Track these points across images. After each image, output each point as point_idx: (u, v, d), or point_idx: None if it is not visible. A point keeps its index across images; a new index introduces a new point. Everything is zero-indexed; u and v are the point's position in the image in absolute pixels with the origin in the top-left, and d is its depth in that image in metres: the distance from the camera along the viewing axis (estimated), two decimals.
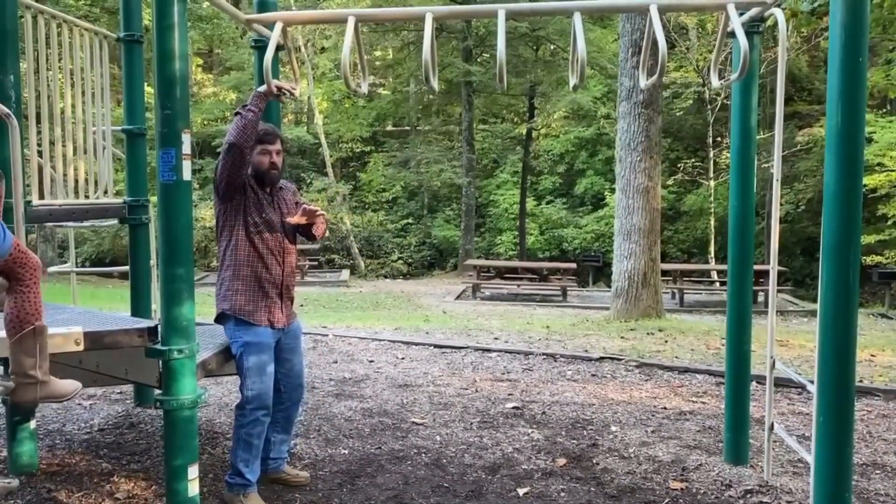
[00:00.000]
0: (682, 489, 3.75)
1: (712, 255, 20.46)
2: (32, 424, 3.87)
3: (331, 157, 24.85)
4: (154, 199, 3.55)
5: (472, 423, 4.86)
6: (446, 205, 26.54)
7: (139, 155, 4.81)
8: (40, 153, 3.90)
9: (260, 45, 4.10)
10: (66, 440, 4.40)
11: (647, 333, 8.95)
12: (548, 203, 25.36)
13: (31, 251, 2.72)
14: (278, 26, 3.51)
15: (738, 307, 4.08)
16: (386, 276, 22.68)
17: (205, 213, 22.17)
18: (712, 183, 21.00)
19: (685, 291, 15.32)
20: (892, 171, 14.56)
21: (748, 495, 3.66)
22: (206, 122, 26.73)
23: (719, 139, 20.98)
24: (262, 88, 3.41)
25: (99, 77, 4.40)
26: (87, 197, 4.31)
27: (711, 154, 21.15)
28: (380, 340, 7.89)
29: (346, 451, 4.29)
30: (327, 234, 3.74)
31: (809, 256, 19.82)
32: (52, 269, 6.41)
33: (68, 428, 4.64)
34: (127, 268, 4.99)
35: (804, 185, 20.13)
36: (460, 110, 24.48)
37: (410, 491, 3.72)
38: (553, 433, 4.66)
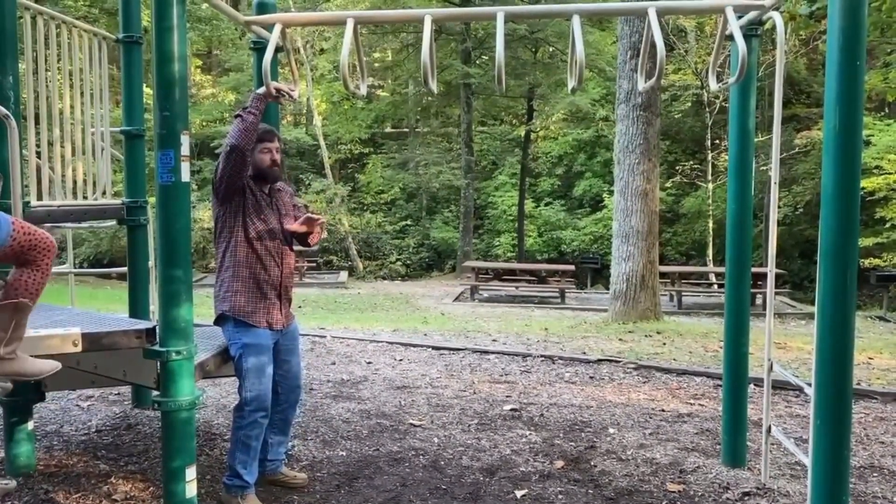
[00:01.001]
0: (679, 491, 3.75)
1: (710, 257, 20.47)
2: (30, 425, 3.87)
3: (329, 158, 24.85)
4: (153, 200, 3.56)
5: (469, 425, 4.86)
6: (445, 206, 26.54)
7: (138, 156, 4.82)
8: (39, 154, 3.90)
9: (259, 47, 4.11)
10: (63, 441, 4.39)
11: (646, 336, 8.95)
12: (546, 205, 25.37)
13: (40, 230, 2.63)
14: (277, 28, 3.52)
15: (735, 310, 4.08)
16: (384, 278, 22.67)
17: (203, 215, 22.15)
18: (710, 185, 21.02)
19: (683, 294, 15.32)
20: (891, 174, 14.58)
21: (746, 498, 3.67)
22: (204, 124, 26.70)
23: (717, 142, 21.00)
24: (262, 90, 3.42)
25: (98, 78, 4.40)
26: (85, 198, 4.31)
27: (710, 156, 21.16)
28: (378, 342, 7.89)
29: (344, 453, 4.29)
30: (326, 235, 3.76)
31: (808, 259, 19.83)
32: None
33: (66, 429, 4.63)
34: (125, 269, 4.99)
35: (802, 188, 20.15)
36: (459, 112, 24.48)
37: (408, 493, 3.72)
38: (551, 435, 4.66)
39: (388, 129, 29.62)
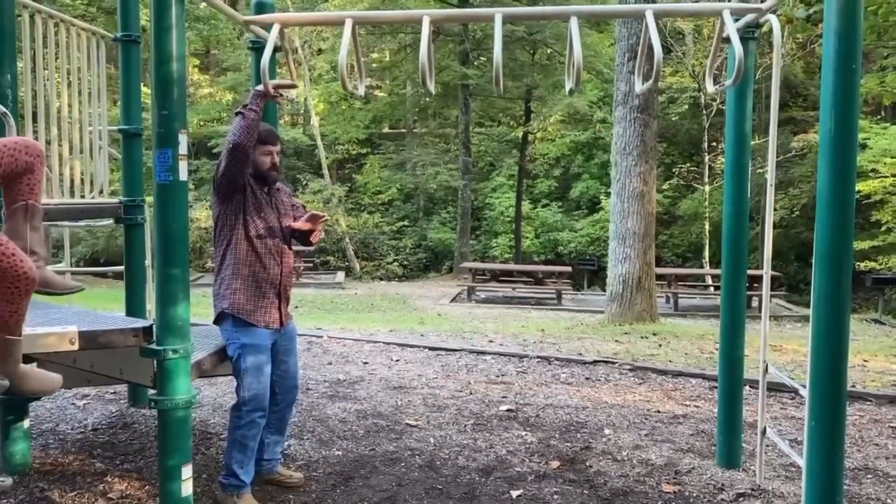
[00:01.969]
0: (674, 492, 3.76)
1: (707, 259, 20.51)
2: (26, 423, 3.87)
3: (327, 158, 24.83)
4: (150, 199, 3.56)
5: (465, 426, 4.87)
6: (442, 207, 26.55)
7: (135, 155, 4.82)
8: None
9: (257, 47, 4.12)
10: (59, 440, 4.39)
11: (642, 337, 8.97)
12: (543, 206, 25.39)
13: (23, 260, 2.43)
14: (276, 28, 3.52)
15: (731, 312, 4.10)
16: (381, 278, 22.67)
17: (200, 215, 22.13)
18: (707, 188, 21.07)
19: (680, 296, 15.35)
20: (886, 177, 14.61)
21: (740, 499, 3.68)
22: (202, 123, 26.66)
23: (714, 144, 21.06)
24: (261, 87, 3.42)
25: (96, 77, 4.40)
26: (82, 196, 4.32)
27: (707, 159, 21.22)
28: (374, 342, 7.89)
29: (340, 453, 4.29)
30: (324, 235, 3.76)
31: (804, 262, 19.86)
32: (46, 268, 6.39)
33: (62, 427, 4.63)
34: (121, 268, 4.99)
35: (799, 191, 20.20)
36: (457, 113, 24.49)
37: (404, 493, 3.72)
38: (546, 436, 4.67)
39: (386, 130, 29.61)
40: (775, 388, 5.58)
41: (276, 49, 3.68)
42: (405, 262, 23.88)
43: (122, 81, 4.74)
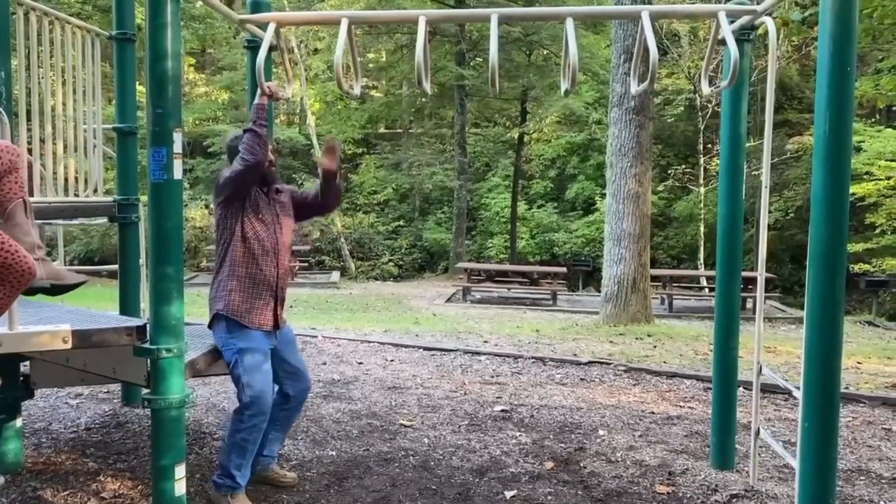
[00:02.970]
0: (668, 493, 3.76)
1: (702, 261, 20.55)
2: (18, 423, 3.85)
3: None
4: (145, 198, 3.55)
5: (460, 426, 4.86)
6: (438, 208, 26.53)
7: (130, 153, 4.81)
8: (30, 150, 3.88)
9: (253, 46, 4.11)
10: (52, 439, 4.38)
11: (636, 338, 8.98)
12: (539, 207, 25.40)
13: (22, 254, 2.44)
14: (271, 27, 3.52)
15: (725, 313, 4.10)
16: (376, 279, 22.65)
17: (195, 214, 22.10)
18: (702, 189, 21.10)
19: (674, 297, 15.38)
20: (881, 180, 14.66)
21: (734, 500, 3.69)
22: (197, 122, 26.63)
23: (710, 146, 21.08)
24: (259, 100, 3.41)
25: (90, 75, 4.39)
26: (76, 195, 4.30)
27: (702, 161, 21.25)
28: (369, 342, 7.89)
29: (334, 453, 4.29)
30: (340, 183, 3.69)
31: (798, 264, 19.92)
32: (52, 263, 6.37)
33: (54, 427, 4.61)
34: (115, 267, 4.97)
35: (794, 193, 20.25)
36: (453, 114, 24.49)
37: (398, 493, 3.72)
38: (541, 437, 4.67)
39: (382, 130, 29.59)
40: (769, 390, 5.60)
41: (271, 48, 3.67)
42: (400, 263, 23.86)
43: (116, 79, 4.73)
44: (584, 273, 20.75)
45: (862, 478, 4.04)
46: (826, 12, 2.71)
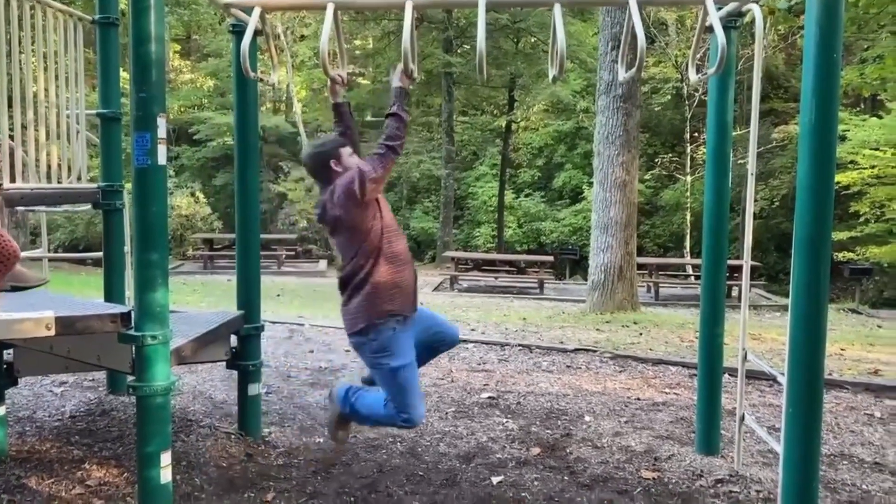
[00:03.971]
0: (654, 478, 3.79)
1: (688, 249, 20.67)
2: (2, 411, 3.83)
3: None
4: (129, 185, 3.51)
5: (447, 413, 4.88)
6: (425, 196, 26.52)
7: (114, 140, 4.76)
8: (12, 137, 3.83)
9: (238, 31, 4.06)
10: (36, 427, 4.35)
11: (623, 326, 9.03)
12: (526, 196, 25.44)
13: (6, 239, 2.50)
14: (256, 11, 3.49)
15: (711, 300, 4.13)
16: None
17: (181, 201, 21.94)
18: (689, 178, 21.20)
19: (660, 285, 15.47)
20: (865, 168, 14.77)
21: (719, 485, 3.72)
22: (182, 109, 26.42)
23: (696, 135, 21.17)
24: (398, 83, 3.31)
25: (73, 60, 4.33)
26: (60, 182, 4.26)
27: (689, 149, 21.34)
28: None
29: (322, 440, 4.29)
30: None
31: (783, 252, 20.07)
32: (23, 254, 6.32)
33: (39, 415, 4.58)
34: (100, 254, 4.93)
35: (779, 182, 20.39)
36: (440, 101, 24.42)
37: (385, 479, 3.73)
38: (527, 423, 4.69)
39: (369, 118, 29.44)
40: (754, 376, 5.64)
41: (257, 33, 3.64)
42: None
43: (100, 65, 4.67)
44: (571, 261, 20.81)
45: (845, 462, 4.09)
46: (812, 0, 2.71)
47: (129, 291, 4.81)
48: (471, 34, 22.43)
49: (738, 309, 3.91)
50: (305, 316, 9.05)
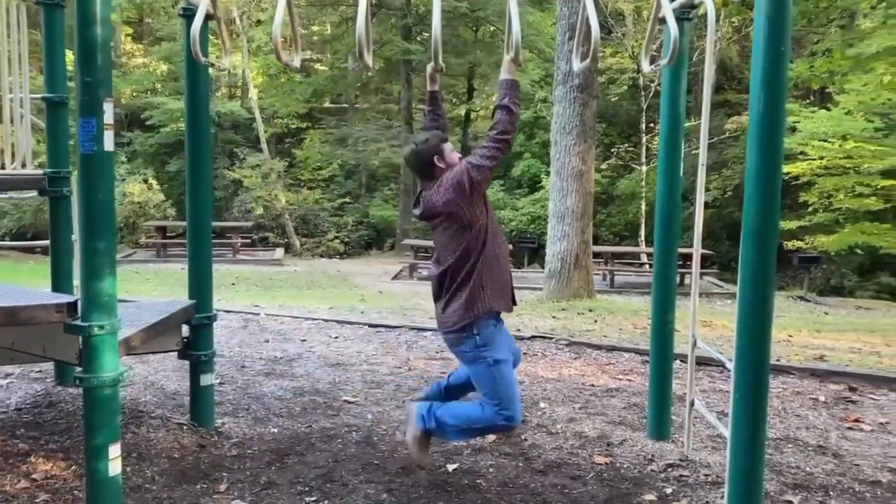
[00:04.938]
0: (606, 464, 3.85)
1: (643, 238, 20.97)
2: None
3: (265, 132, 24.30)
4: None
5: (404, 401, 4.87)
6: (384, 184, 26.38)
7: (61, 125, 4.63)
8: None
9: (189, 14, 3.97)
10: None
11: (578, 313, 9.13)
12: None
13: None
14: None
15: (662, 288, 4.20)
16: (322, 256, 22.45)
17: (133, 188, 21.47)
18: (644, 168, 21.48)
19: (616, 273, 15.68)
20: (814, 159, 15.11)
21: (669, 469, 3.79)
22: (135, 94, 25.80)
23: (652, 125, 21.44)
24: (509, 77, 3.30)
25: (17, 42, 4.19)
26: (3, 168, 4.13)
27: (644, 140, 21.62)
28: (313, 320, 7.82)
29: (276, 430, 4.26)
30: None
31: (735, 241, 20.30)
32: None
33: None
34: (48, 242, 4.81)
35: (732, 172, 20.76)
36: (399, 89, 24.30)
37: (340, 469, 3.72)
38: None
39: (327, 104, 29.16)
40: (704, 363, 5.76)
41: (208, 17, 3.57)
42: (347, 240, 23.68)
43: (45, 47, 4.53)
44: (529, 250, 20.94)
45: (790, 446, 4.20)
46: None
47: (77, 280, 4.70)
48: (430, 21, 22.36)
49: (690, 296, 3.98)
50: (261, 305, 8.96)
